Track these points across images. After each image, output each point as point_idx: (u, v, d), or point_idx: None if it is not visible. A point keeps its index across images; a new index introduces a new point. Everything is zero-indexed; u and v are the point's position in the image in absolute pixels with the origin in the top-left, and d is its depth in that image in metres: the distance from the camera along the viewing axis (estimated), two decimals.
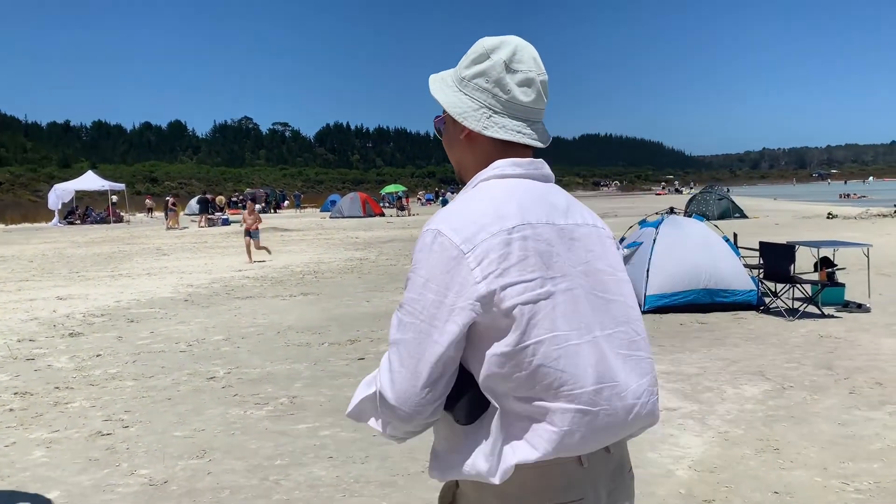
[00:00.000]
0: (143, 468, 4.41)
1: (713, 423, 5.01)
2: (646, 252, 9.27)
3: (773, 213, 33.00)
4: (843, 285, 9.38)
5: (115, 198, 42.22)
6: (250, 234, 16.82)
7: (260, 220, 17.47)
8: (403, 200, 47.16)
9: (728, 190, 44.46)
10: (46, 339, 8.33)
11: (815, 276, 9.40)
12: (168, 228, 32.68)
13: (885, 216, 27.19)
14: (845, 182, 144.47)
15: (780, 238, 13.02)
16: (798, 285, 8.86)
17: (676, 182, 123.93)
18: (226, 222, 34.88)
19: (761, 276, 9.34)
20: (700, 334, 7.86)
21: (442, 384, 1.34)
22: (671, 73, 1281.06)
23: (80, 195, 44.69)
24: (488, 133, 1.47)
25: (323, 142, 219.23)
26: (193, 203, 43.90)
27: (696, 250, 9.15)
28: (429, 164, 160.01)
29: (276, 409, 5.50)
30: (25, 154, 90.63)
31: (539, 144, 1.52)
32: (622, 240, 10.56)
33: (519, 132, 1.49)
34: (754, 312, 8.97)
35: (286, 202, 60.47)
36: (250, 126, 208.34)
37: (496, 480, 1.34)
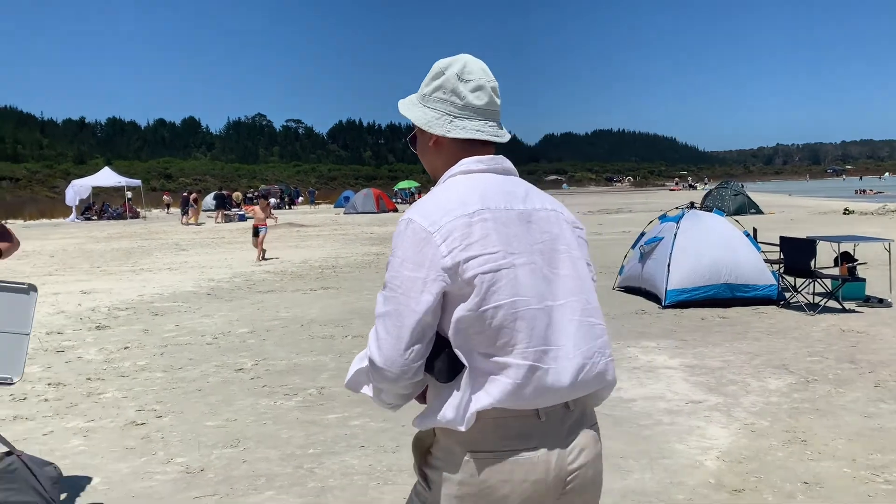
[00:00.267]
0: (180, 456, 4.50)
1: (739, 415, 5.05)
2: (666, 247, 9.30)
3: (789, 209, 32.83)
4: (863, 280, 9.36)
5: (129, 193, 42.49)
6: (256, 231, 16.39)
7: (268, 215, 17.17)
8: (416, 196, 47.26)
9: (742, 186, 44.20)
10: (74, 332, 8.46)
11: (836, 271, 9.40)
12: (186, 224, 32.89)
13: None
14: (860, 178, 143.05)
15: (797, 234, 12.98)
16: (818, 280, 8.86)
17: (689, 178, 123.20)
18: (242, 218, 35.05)
19: (781, 270, 9.34)
20: (721, 328, 7.88)
21: (422, 347, 1.56)
22: (685, 68, 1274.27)
23: (97, 191, 45.05)
24: (452, 135, 1.71)
25: (336, 138, 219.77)
26: (210, 199, 44.15)
27: (716, 245, 9.15)
28: None
29: (305, 400, 5.59)
30: (42, 151, 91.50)
31: (498, 140, 1.76)
32: (642, 235, 10.59)
33: (478, 130, 1.73)
34: (774, 307, 8.98)
35: (300, 198, 60.72)
36: (264, 123, 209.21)
37: (462, 427, 1.56)
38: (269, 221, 16.86)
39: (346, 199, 48.91)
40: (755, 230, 10.76)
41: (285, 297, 10.85)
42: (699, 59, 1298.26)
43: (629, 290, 10.29)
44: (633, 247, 10.62)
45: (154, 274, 14.22)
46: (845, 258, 9.62)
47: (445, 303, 1.57)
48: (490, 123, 1.75)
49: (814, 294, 8.99)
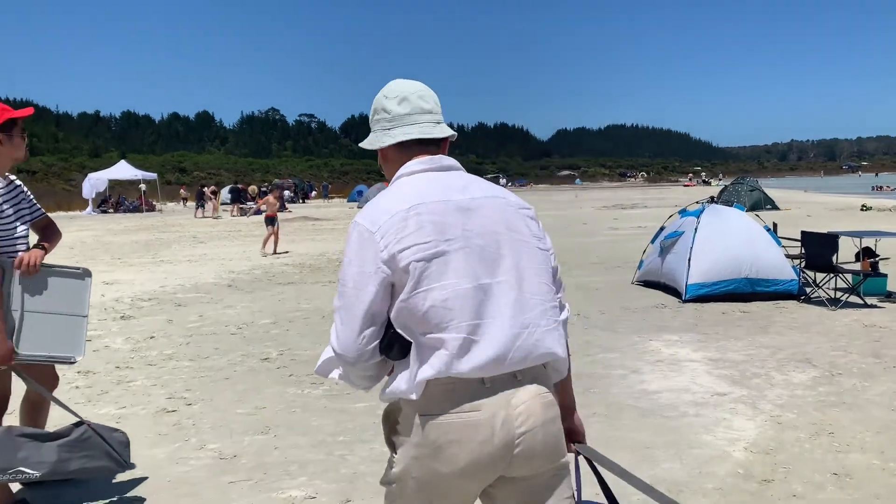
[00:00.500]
0: (212, 443, 4.58)
1: (765, 407, 5.07)
2: (687, 241, 9.30)
3: (805, 205, 32.63)
4: (885, 275, 9.33)
5: (143, 187, 42.74)
6: (272, 221, 16.41)
7: (277, 206, 17.15)
8: None
9: (758, 182, 43.91)
10: (99, 322, 8.57)
11: (857, 266, 9.37)
12: (202, 217, 33.09)
13: None
14: (876, 174, 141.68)
15: (815, 230, 12.92)
16: (839, 275, 8.84)
17: (703, 174, 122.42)
18: (258, 212, 35.23)
19: (802, 265, 9.32)
20: (742, 322, 7.89)
21: (373, 333, 1.80)
22: (698, 63, 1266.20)
23: (112, 184, 45.38)
24: (387, 143, 1.95)
25: (348, 133, 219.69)
26: (226, 192, 44.42)
27: (737, 240, 9.15)
28: (452, 155, 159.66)
29: (332, 389, 5.65)
30: (57, 144, 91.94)
31: (432, 136, 1.95)
32: (661, 229, 10.58)
33: (406, 133, 1.93)
34: (795, 302, 8.97)
35: (314, 192, 60.90)
36: (277, 117, 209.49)
37: (414, 396, 1.77)
38: (282, 214, 16.77)
39: (360, 193, 49.09)
40: (775, 225, 10.74)
41: (305, 288, 10.93)
42: (712, 53, 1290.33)
43: (648, 284, 10.30)
44: (653, 241, 10.62)
45: (175, 266, 14.36)
46: (867, 253, 9.59)
47: (393, 292, 1.78)
48: (421, 125, 1.95)
49: (835, 289, 8.97)
